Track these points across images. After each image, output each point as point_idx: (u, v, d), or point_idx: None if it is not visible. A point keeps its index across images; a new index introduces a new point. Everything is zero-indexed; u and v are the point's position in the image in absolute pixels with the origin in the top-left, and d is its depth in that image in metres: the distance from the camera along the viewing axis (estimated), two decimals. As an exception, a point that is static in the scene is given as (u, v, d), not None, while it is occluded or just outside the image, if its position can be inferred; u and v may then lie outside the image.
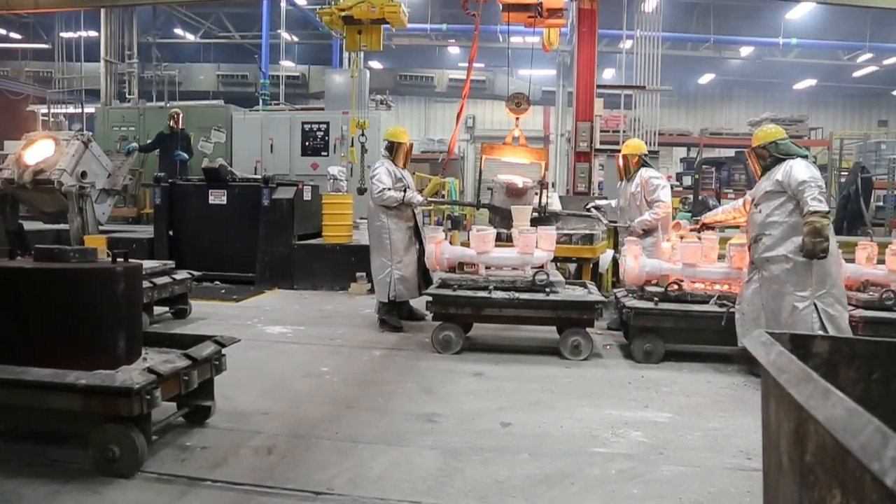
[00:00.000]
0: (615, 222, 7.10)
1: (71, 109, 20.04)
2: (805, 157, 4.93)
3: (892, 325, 5.13)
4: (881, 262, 5.74)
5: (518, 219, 6.18)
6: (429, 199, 7.27)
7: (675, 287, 5.51)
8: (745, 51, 21.93)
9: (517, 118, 6.88)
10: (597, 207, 7.26)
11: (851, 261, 5.80)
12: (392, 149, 6.67)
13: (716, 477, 3.27)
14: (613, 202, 7.08)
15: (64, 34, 19.40)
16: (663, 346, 5.48)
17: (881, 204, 12.15)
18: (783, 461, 1.71)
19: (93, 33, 18.34)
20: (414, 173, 7.36)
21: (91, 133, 10.69)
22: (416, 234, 6.68)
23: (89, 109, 18.00)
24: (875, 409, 1.25)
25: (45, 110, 19.54)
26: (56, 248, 3.53)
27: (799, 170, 4.77)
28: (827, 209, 4.71)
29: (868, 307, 5.32)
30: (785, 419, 1.69)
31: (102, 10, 15.94)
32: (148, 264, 6.25)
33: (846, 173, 14.69)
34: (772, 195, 4.91)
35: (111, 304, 3.35)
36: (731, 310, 5.23)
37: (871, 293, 5.47)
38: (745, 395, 4.64)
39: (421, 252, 6.56)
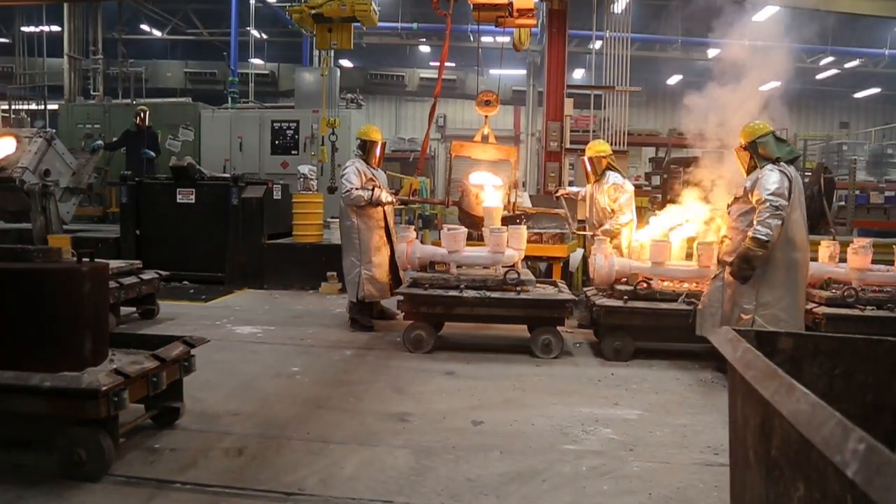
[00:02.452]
0: (583, 227, 7.15)
1: (33, 106, 19.58)
2: (778, 159, 4.78)
3: (854, 322, 5.26)
4: (843, 260, 5.87)
5: (489, 219, 6.20)
6: (399, 198, 7.23)
7: (645, 285, 5.57)
8: (713, 52, 22.25)
9: (486, 116, 6.90)
10: (567, 195, 7.28)
11: (815, 259, 5.93)
12: (365, 147, 6.64)
13: (684, 472, 3.33)
14: (583, 190, 7.10)
15: (25, 28, 18.93)
16: (633, 343, 5.55)
17: (843, 203, 12.44)
18: (749, 456, 1.74)
19: (55, 28, 17.93)
20: (386, 172, 7.32)
21: (54, 130, 10.48)
22: (387, 234, 6.66)
23: (52, 106, 17.58)
24: (838, 404, 1.29)
25: (6, 106, 19.05)
26: (19, 247, 3.46)
27: (764, 183, 4.67)
28: (767, 237, 4.59)
29: (830, 304, 5.44)
30: (751, 414, 1.72)
31: (66, 5, 15.60)
32: (114, 264, 6.15)
33: (809, 174, 14.99)
34: (739, 201, 4.94)
35: (76, 305, 3.29)
36: (699, 307, 5.30)
37: (833, 290, 5.59)
38: (713, 392, 4.72)
39: (392, 252, 6.55)
